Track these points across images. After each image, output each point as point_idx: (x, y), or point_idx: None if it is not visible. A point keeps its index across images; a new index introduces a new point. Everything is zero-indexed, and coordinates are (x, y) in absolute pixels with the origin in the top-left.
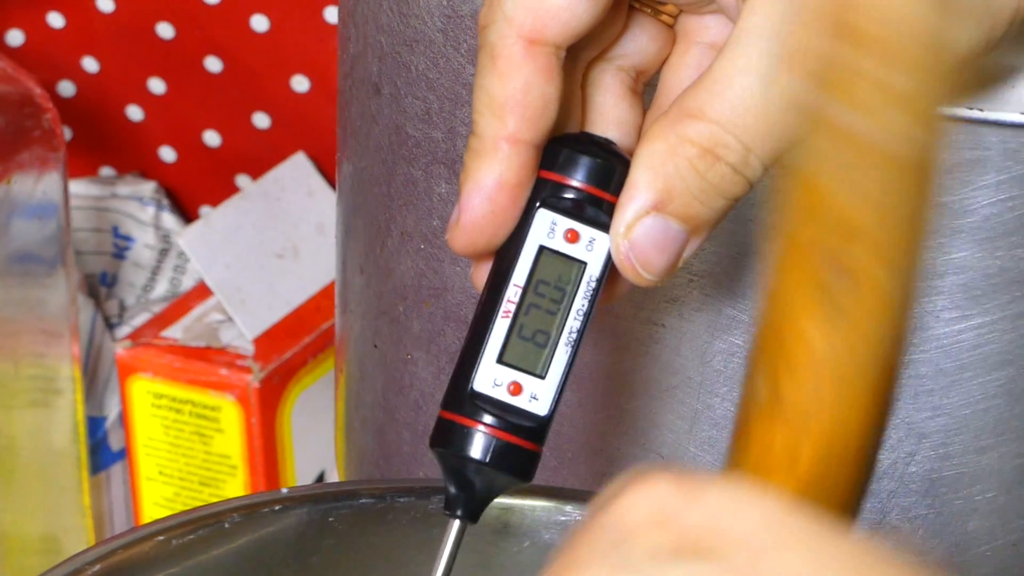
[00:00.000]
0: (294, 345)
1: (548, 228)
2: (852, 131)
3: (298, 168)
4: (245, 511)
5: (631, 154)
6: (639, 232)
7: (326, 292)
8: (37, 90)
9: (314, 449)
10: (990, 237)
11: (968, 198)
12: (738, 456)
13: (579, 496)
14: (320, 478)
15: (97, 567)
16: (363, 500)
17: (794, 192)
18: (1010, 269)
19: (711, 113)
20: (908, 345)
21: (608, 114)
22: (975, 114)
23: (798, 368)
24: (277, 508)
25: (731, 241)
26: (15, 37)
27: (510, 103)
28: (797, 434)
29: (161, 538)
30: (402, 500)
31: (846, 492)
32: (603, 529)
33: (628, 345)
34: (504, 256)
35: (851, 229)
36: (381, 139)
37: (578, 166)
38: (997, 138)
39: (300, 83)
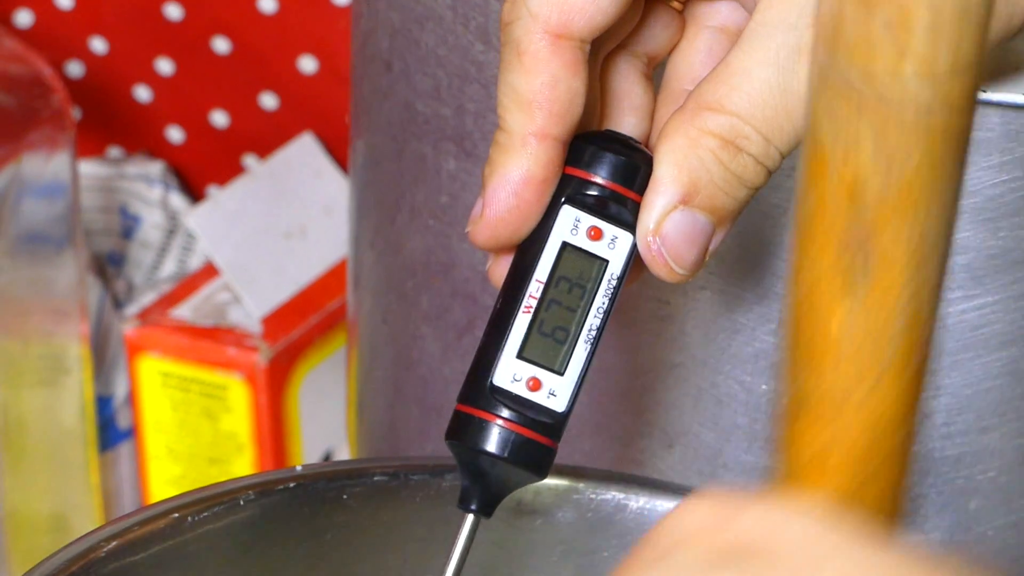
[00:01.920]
0: (301, 324)
1: (572, 225)
2: (853, 82)
3: (305, 149)
4: (260, 488)
5: (650, 143)
6: (668, 227)
7: (334, 272)
8: (46, 70)
9: (321, 428)
10: (992, 218)
11: (971, 179)
12: (776, 464)
13: (592, 474)
14: (327, 457)
15: (113, 544)
16: (377, 478)
17: (804, 163)
18: (1012, 250)
19: (730, 105)
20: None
21: (623, 101)
22: (978, 95)
23: (819, 355)
24: (292, 485)
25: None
26: (24, 18)
27: (537, 99)
28: (825, 427)
29: (176, 515)
30: (415, 478)
31: (885, 476)
32: (654, 540)
33: (633, 322)
34: (526, 251)
35: (857, 191)
36: (391, 116)
37: (604, 163)
38: (1000, 119)
39: (308, 64)
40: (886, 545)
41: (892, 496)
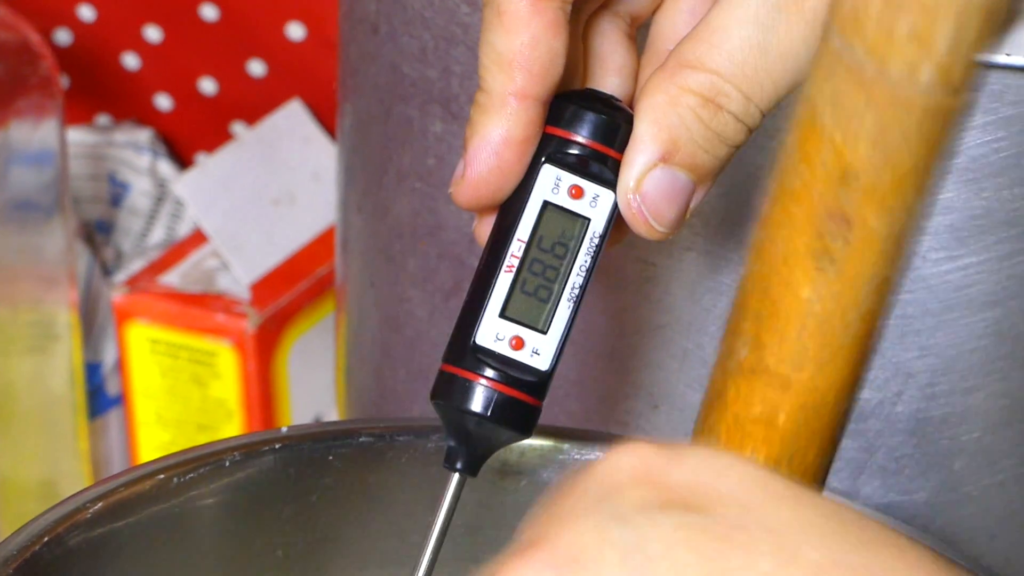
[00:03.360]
0: (290, 291)
1: (553, 184)
2: (868, 74)
3: (294, 115)
4: (245, 450)
5: (632, 103)
6: (648, 185)
7: (322, 238)
8: (34, 38)
9: (310, 394)
10: (976, 178)
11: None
12: (714, 416)
13: (576, 435)
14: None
15: (98, 505)
16: (362, 439)
17: (796, 136)
18: (996, 210)
19: (710, 63)
20: (894, 299)
21: (607, 61)
22: None
23: (783, 322)
24: (277, 447)
25: (720, 180)
26: None
27: (517, 59)
28: (777, 391)
29: (161, 476)
30: (401, 439)
31: (819, 448)
32: (588, 486)
33: (619, 284)
34: (508, 211)
35: (852, 174)
36: (378, 79)
37: (584, 122)
38: (983, 79)
39: (296, 30)
40: (820, 498)
41: (822, 465)
